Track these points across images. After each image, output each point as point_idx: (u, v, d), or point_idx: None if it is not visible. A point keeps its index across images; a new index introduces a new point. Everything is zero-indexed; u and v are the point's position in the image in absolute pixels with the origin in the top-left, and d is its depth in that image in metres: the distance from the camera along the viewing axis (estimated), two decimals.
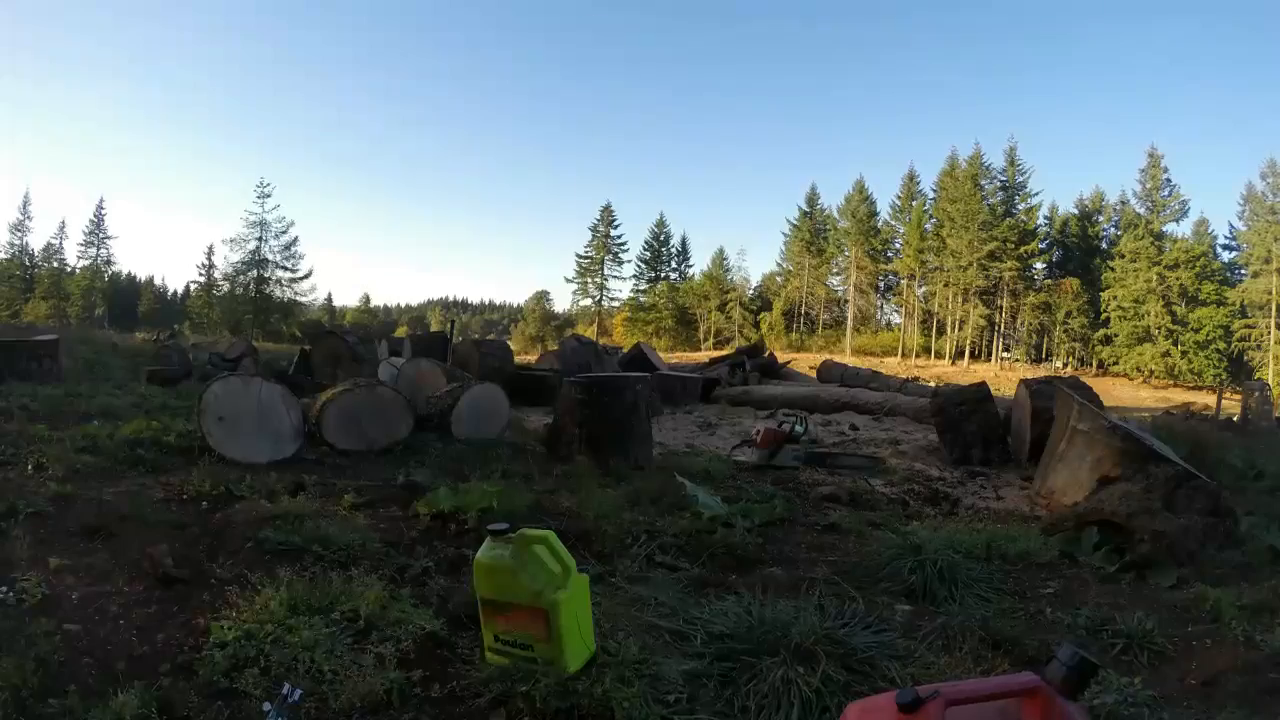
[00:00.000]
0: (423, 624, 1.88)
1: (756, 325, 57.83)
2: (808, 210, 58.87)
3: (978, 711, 1.17)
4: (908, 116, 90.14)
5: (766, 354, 12.50)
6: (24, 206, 55.45)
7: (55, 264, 56.25)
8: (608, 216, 62.67)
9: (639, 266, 63.99)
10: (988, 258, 47.50)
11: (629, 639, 1.80)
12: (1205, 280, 43.33)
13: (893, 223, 55.37)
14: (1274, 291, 41.17)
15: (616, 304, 63.39)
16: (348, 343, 8.42)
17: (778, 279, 60.09)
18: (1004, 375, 40.90)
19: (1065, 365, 47.48)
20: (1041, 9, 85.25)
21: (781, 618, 1.82)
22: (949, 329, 50.09)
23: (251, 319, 41.76)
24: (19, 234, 54.76)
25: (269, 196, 43.92)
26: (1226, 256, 46.20)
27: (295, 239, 44.68)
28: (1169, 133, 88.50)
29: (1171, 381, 41.97)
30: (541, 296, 78.93)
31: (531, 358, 13.19)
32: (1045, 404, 5.08)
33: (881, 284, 57.02)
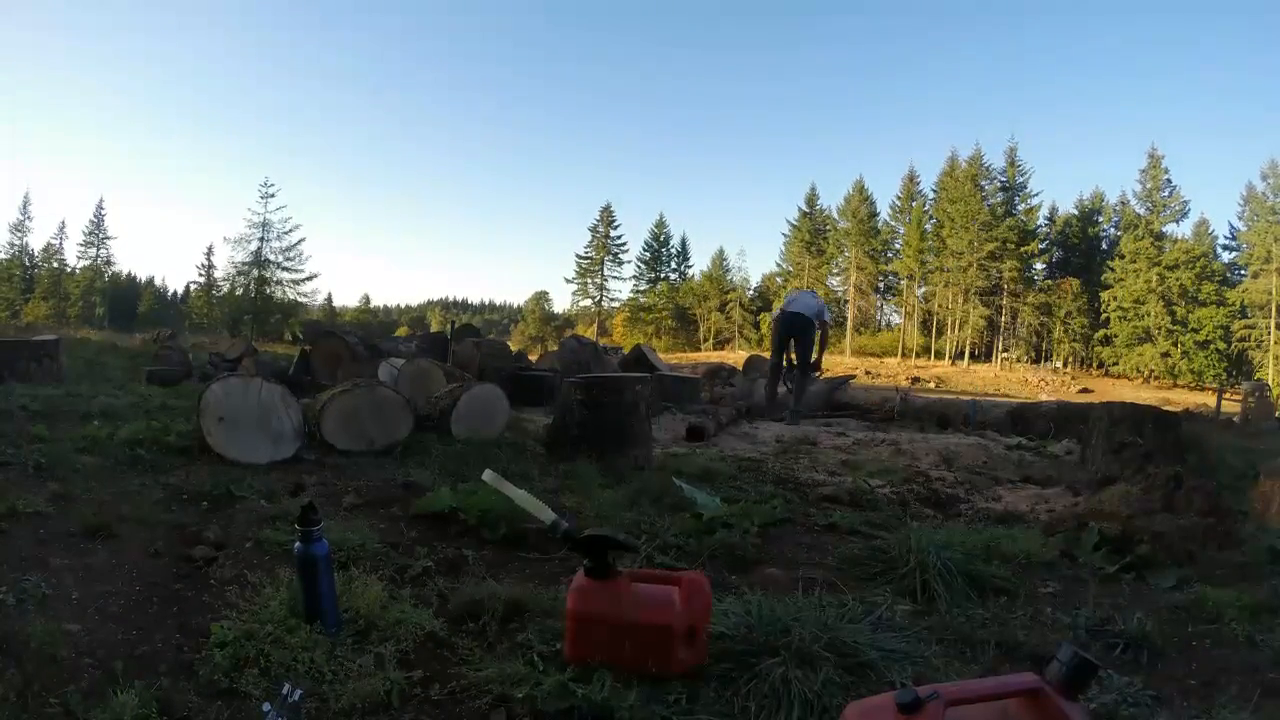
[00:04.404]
0: (422, 624, 1.88)
1: (756, 325, 57.85)
2: (807, 210, 58.88)
3: (978, 711, 1.17)
4: (907, 116, 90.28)
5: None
6: (24, 206, 55.45)
7: (55, 264, 56.26)
8: (607, 217, 62.68)
9: (639, 267, 64.01)
10: (988, 258, 47.52)
11: None
12: (1205, 280, 43.34)
13: (893, 223, 55.35)
14: (1274, 291, 41.19)
15: (616, 304, 63.37)
16: (348, 343, 8.41)
17: (778, 279, 60.13)
18: (1004, 375, 40.93)
19: (1065, 365, 47.47)
20: (1042, 8, 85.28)
21: (781, 618, 1.82)
22: (949, 329, 50.08)
23: (252, 319, 41.72)
24: (19, 234, 54.78)
25: (273, 196, 43.88)
26: (1227, 256, 46.20)
27: (301, 240, 44.63)
28: (1169, 133, 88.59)
29: (1173, 381, 41.97)
30: (541, 296, 79.06)
31: (532, 358, 13.19)
32: None
33: (881, 284, 56.99)
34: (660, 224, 64.11)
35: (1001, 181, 49.08)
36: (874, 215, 54.80)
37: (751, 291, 61.01)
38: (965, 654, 1.93)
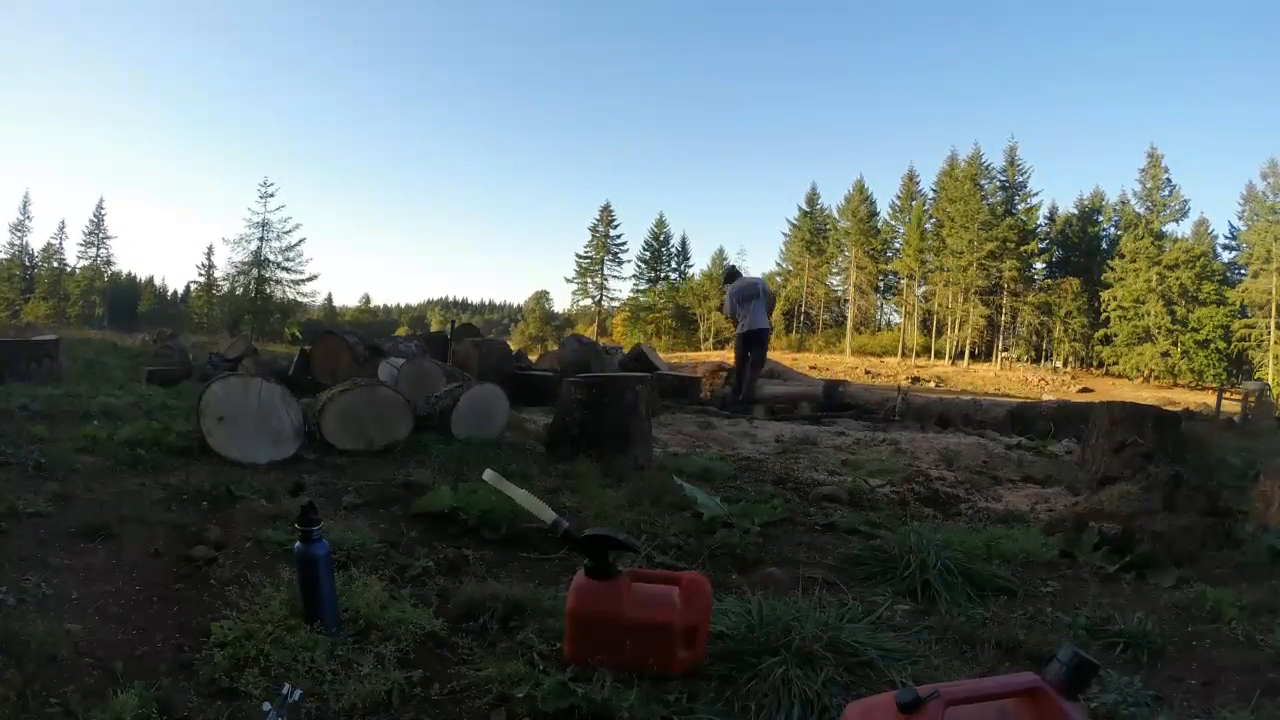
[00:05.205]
0: (422, 624, 1.87)
1: None
2: (808, 210, 58.89)
3: (978, 711, 1.17)
4: (907, 116, 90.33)
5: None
6: (24, 206, 55.49)
7: (55, 264, 56.27)
8: (607, 216, 62.67)
9: (639, 266, 63.98)
10: (988, 257, 47.52)
11: None
12: (1205, 280, 43.35)
13: (893, 223, 55.35)
14: (1274, 291, 41.22)
15: (616, 304, 63.34)
16: (348, 343, 8.41)
17: (778, 279, 60.16)
18: (1004, 375, 40.95)
19: (1065, 365, 47.48)
20: (1042, 8, 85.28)
21: (782, 617, 1.82)
22: (949, 329, 50.07)
23: (252, 319, 41.74)
24: (19, 234, 54.83)
25: (272, 196, 43.91)
26: (1226, 256, 46.21)
27: (300, 240, 44.66)
28: (1169, 133, 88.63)
29: (1173, 381, 41.98)
30: (541, 296, 79.12)
31: (532, 358, 13.19)
32: None
33: (881, 284, 56.98)
34: (660, 223, 64.12)
35: (1001, 181, 49.09)
36: (874, 215, 54.81)
37: None
38: (965, 654, 1.93)
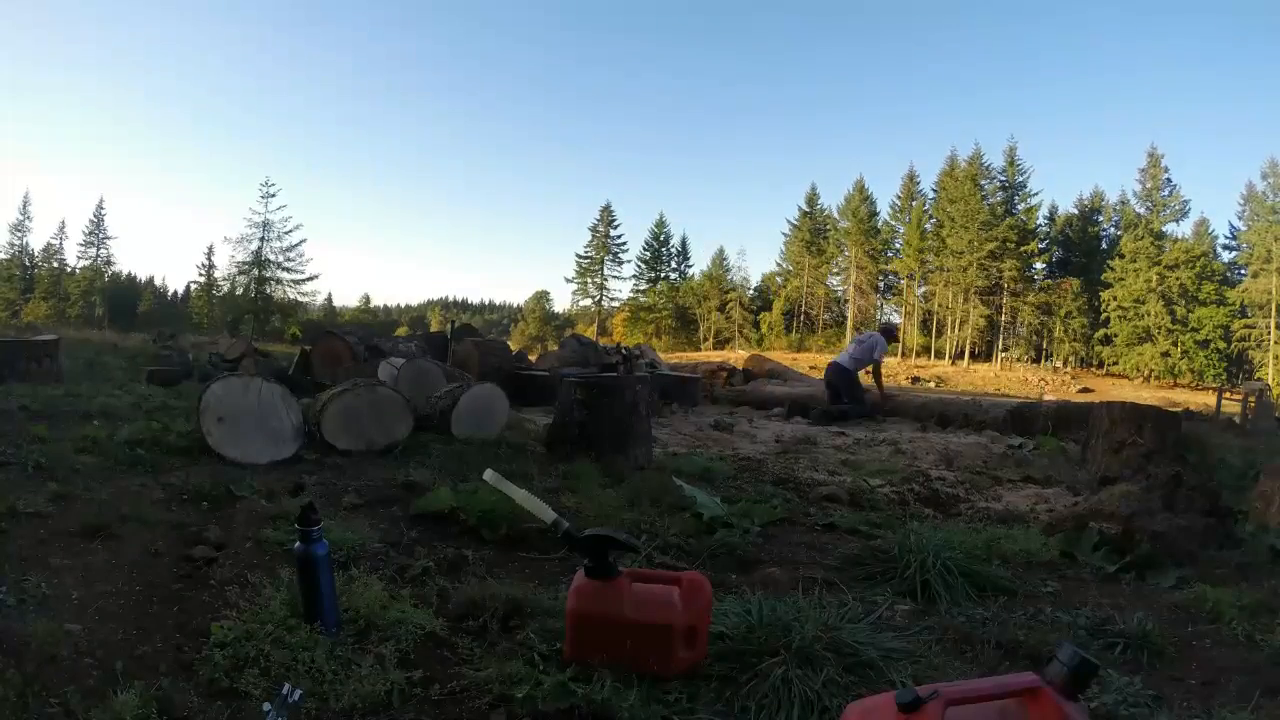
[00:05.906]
0: (422, 624, 1.88)
1: (756, 325, 57.84)
2: (808, 210, 58.88)
3: (978, 711, 1.17)
4: (907, 116, 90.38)
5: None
6: (24, 206, 55.49)
7: (55, 264, 56.26)
8: (607, 216, 62.63)
9: (639, 266, 63.95)
10: (988, 257, 47.48)
11: None
12: (1205, 280, 43.33)
13: (893, 223, 55.31)
14: (1274, 291, 41.20)
15: (616, 304, 63.29)
16: (348, 343, 8.41)
17: (778, 279, 60.12)
18: (1004, 375, 40.95)
19: (1065, 364, 47.47)
20: (1042, 8, 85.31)
21: (782, 618, 1.82)
22: (949, 329, 50.04)
23: (251, 319, 41.74)
24: (19, 234, 54.82)
25: (273, 196, 43.92)
26: (1227, 256, 46.18)
27: (301, 240, 44.67)
28: (1169, 133, 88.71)
29: (1173, 381, 41.96)
30: (541, 296, 79.10)
31: (532, 358, 13.19)
32: None
33: (881, 284, 56.94)
34: (660, 224, 64.13)
35: (1001, 181, 49.09)
36: (874, 215, 54.81)
37: (752, 291, 61.00)
38: (965, 654, 1.93)
